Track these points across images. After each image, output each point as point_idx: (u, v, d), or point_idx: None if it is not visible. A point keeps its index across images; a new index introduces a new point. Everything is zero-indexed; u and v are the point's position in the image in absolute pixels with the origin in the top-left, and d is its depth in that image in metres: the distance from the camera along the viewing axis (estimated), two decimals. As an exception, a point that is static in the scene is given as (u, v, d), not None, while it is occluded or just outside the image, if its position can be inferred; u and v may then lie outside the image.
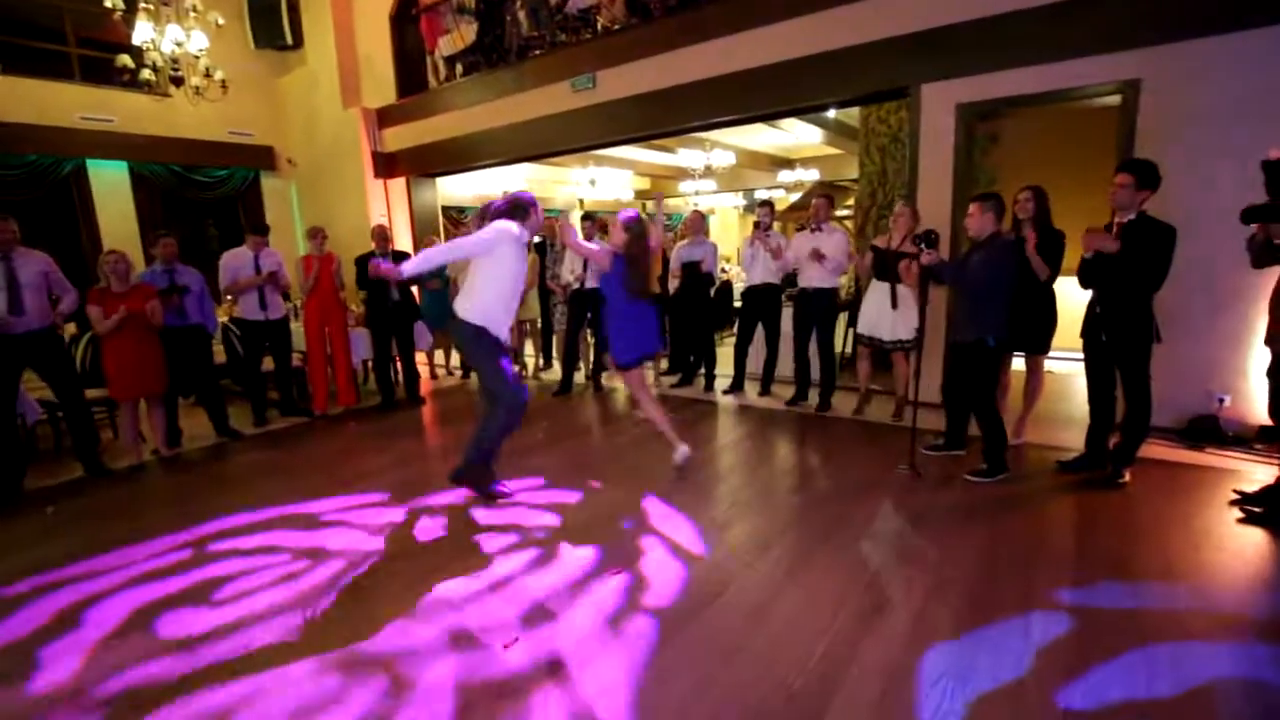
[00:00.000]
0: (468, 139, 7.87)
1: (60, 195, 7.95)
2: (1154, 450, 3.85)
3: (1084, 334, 3.60)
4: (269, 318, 5.49)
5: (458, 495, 3.73)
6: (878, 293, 4.71)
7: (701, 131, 7.18)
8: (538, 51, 7.31)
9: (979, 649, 2.17)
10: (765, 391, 5.81)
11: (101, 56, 7.74)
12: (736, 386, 5.96)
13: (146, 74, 6.45)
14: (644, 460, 4.32)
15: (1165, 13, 3.91)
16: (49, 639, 2.49)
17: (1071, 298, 3.88)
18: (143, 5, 6.53)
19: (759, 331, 5.74)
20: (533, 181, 13.14)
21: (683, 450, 3.91)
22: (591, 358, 6.62)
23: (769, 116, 6.43)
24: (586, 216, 6.67)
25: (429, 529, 3.35)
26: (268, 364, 5.79)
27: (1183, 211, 3.53)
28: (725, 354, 6.36)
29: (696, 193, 13.20)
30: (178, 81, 6.58)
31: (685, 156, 11.58)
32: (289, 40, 9.04)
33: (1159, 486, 3.49)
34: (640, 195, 15.41)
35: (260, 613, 2.59)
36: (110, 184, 8.28)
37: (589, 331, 6.50)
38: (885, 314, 4.67)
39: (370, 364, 6.68)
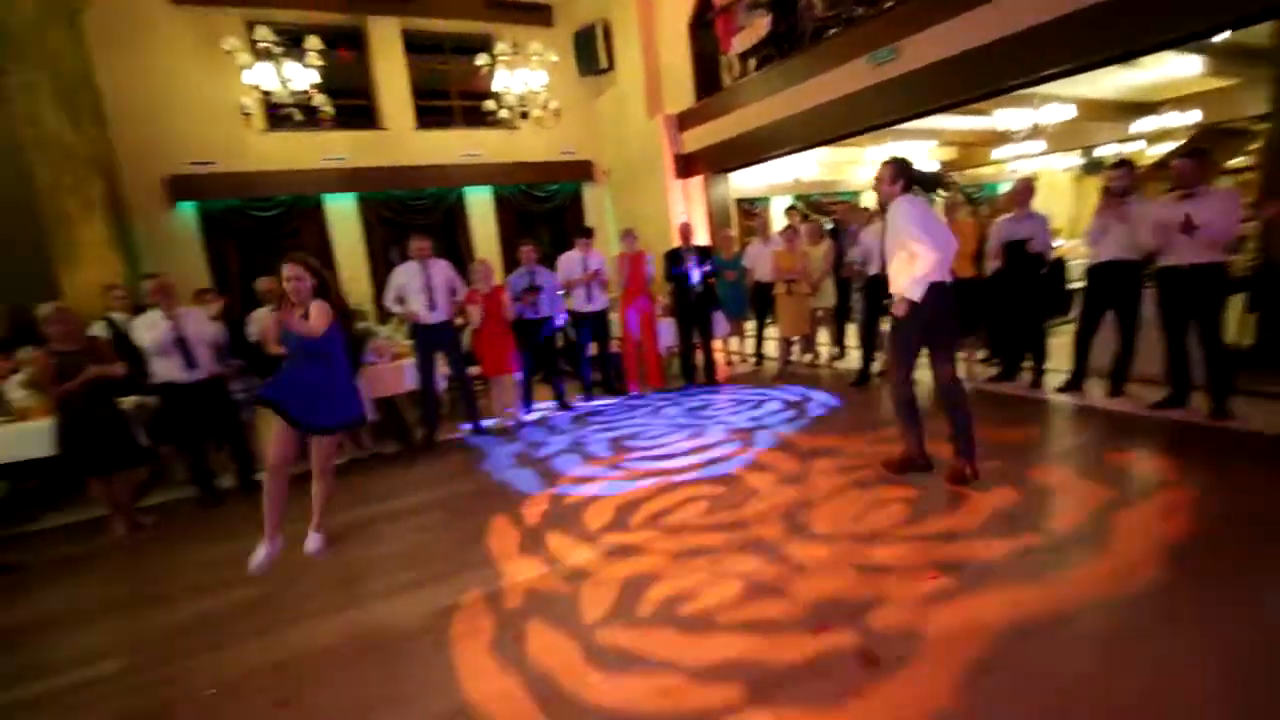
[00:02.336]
0: (761, 131, 7.99)
1: (446, 218, 10.25)
2: None
3: None
4: (593, 309, 6.39)
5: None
6: None
7: (1029, 87, 6.13)
8: (833, 31, 7.07)
9: None
10: (1117, 392, 4.80)
11: (471, 105, 9.71)
12: (1074, 384, 5.05)
13: (503, 113, 8.02)
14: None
15: None
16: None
17: None
18: (499, 57, 8.12)
19: (1107, 319, 4.77)
20: (824, 165, 12.85)
21: (314, 539, 3.62)
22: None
23: (1133, 55, 5.17)
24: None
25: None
26: (592, 349, 6.73)
27: None
28: (1057, 345, 5.44)
29: (1018, 157, 11.43)
30: (524, 115, 8.04)
31: (1003, 117, 10.09)
32: (605, 64, 10.23)
33: None
34: (946, 166, 13.95)
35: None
36: (480, 206, 10.41)
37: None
38: None
39: (675, 350, 7.29)
